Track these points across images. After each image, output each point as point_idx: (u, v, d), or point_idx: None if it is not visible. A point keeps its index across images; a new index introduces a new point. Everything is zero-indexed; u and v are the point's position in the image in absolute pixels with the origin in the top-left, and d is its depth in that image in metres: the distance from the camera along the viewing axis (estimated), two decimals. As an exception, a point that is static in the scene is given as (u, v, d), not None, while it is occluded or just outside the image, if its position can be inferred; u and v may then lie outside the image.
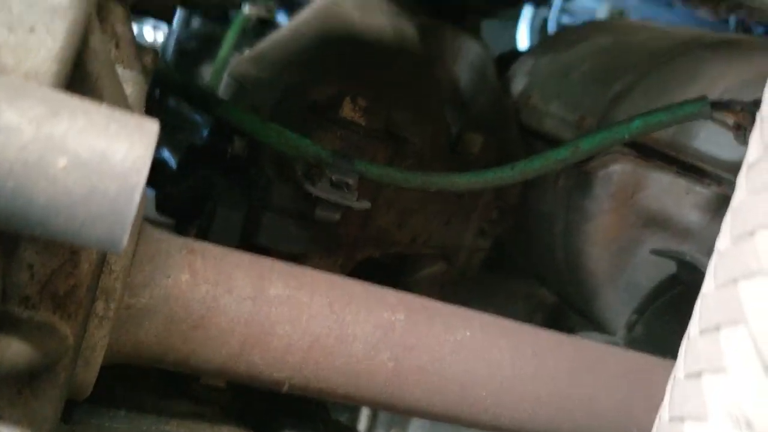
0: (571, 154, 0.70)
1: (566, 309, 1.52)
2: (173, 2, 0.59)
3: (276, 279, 0.58)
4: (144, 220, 0.54)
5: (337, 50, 0.98)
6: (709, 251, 0.94)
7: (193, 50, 1.52)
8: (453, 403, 0.60)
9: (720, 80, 0.89)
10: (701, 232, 0.93)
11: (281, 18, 1.88)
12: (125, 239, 0.31)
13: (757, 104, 0.70)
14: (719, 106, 0.70)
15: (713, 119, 0.71)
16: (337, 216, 0.70)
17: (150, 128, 0.33)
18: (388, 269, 1.02)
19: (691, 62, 0.92)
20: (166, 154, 1.47)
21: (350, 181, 0.65)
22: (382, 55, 0.99)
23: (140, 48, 0.57)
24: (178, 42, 1.54)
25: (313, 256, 0.78)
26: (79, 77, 0.42)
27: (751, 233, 0.33)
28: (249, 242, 0.76)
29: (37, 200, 0.30)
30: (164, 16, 0.61)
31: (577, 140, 0.71)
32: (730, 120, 0.71)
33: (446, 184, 0.69)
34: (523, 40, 2.28)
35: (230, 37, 1.35)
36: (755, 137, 0.35)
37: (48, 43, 0.38)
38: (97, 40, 0.43)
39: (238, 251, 0.58)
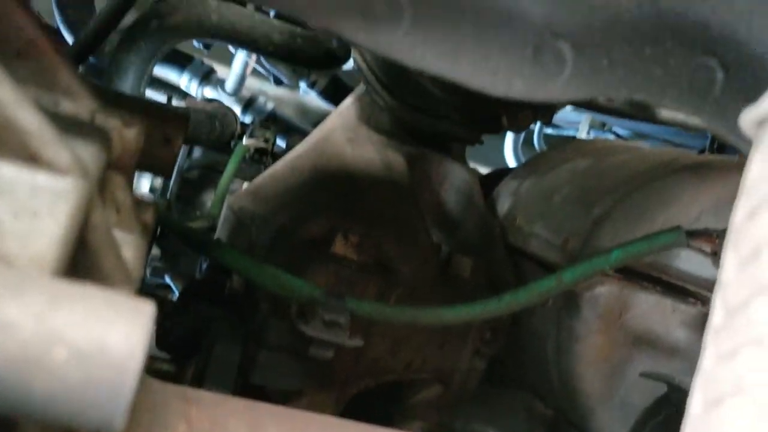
0: (555, 285, 0.73)
1: (564, 423, 1.51)
2: (173, 159, 0.63)
3: (270, 424, 0.60)
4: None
5: (329, 185, 1.03)
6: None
7: (194, 179, 1.58)
8: None
9: (695, 203, 0.93)
10: (689, 349, 0.94)
11: (280, 142, 1.96)
12: (121, 422, 0.33)
13: (727, 232, 0.74)
14: (695, 234, 0.73)
15: (690, 247, 0.74)
16: (330, 354, 0.72)
17: (145, 311, 0.36)
18: (383, 395, 1.03)
19: (667, 185, 0.97)
20: (168, 280, 1.50)
21: (342, 320, 0.67)
22: (371, 187, 1.04)
23: (140, 204, 0.61)
24: (180, 171, 1.60)
25: (308, 393, 0.80)
26: (80, 251, 0.46)
27: (733, 353, 0.34)
28: (245, 379, 0.78)
29: (36, 391, 0.32)
30: (165, 172, 0.65)
31: (560, 272, 0.74)
32: (707, 248, 0.74)
33: (434, 319, 0.71)
34: (509, 152, 2.37)
35: (230, 167, 1.41)
36: (728, 258, 0.37)
37: (51, 227, 0.41)
38: (98, 216, 0.47)
39: (232, 398, 0.60)
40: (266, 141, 1.52)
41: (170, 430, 0.58)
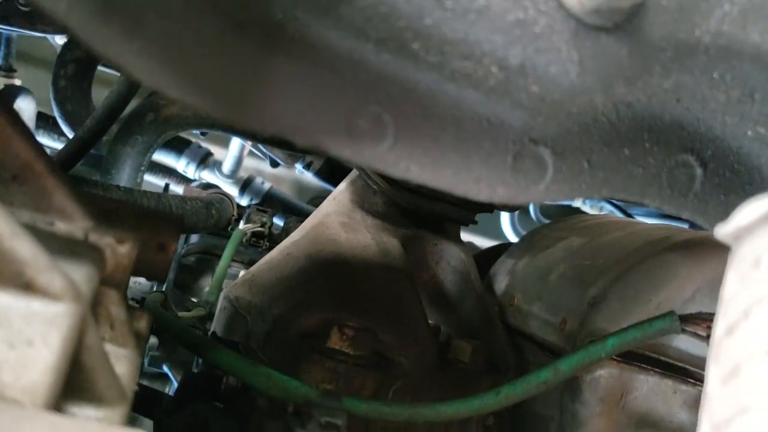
0: (552, 376, 0.73)
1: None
2: (167, 264, 0.64)
3: None
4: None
5: (324, 272, 1.03)
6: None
7: (192, 265, 1.59)
8: None
9: (689, 283, 0.93)
10: (692, 430, 0.93)
11: (278, 221, 1.98)
12: None
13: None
14: (688, 319, 0.74)
15: (684, 332, 0.74)
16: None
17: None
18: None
19: (660, 264, 0.97)
20: (166, 369, 1.49)
21: (339, 422, 0.67)
22: (367, 273, 1.04)
23: (134, 313, 0.61)
24: (178, 257, 1.61)
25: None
26: (73, 371, 0.46)
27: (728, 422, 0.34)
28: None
29: None
30: (159, 277, 0.66)
31: (557, 362, 0.74)
32: (702, 331, 0.74)
33: (433, 416, 0.71)
34: (506, 223, 2.38)
35: (227, 253, 1.42)
36: (711, 372, 0.37)
37: (45, 355, 0.42)
38: (91, 336, 0.47)
39: None
40: (263, 225, 1.54)
41: None
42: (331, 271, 1.02)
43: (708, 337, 0.75)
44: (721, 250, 0.98)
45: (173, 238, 0.67)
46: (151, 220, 0.67)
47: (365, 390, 0.81)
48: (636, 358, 0.93)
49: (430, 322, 1.07)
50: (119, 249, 0.54)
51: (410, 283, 1.07)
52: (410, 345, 0.92)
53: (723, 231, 0.37)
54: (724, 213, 0.58)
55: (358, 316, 0.89)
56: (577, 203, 2.32)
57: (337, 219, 1.17)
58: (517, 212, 2.40)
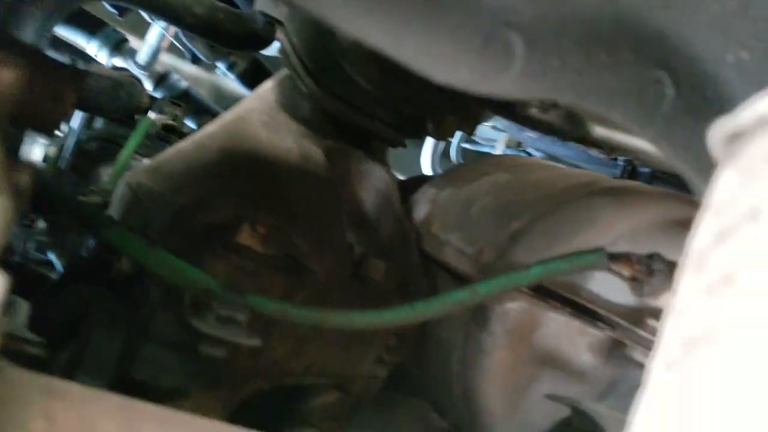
0: (470, 297, 0.70)
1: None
2: (59, 118, 0.55)
3: (145, 426, 0.53)
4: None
5: (240, 168, 0.96)
6: (600, 394, 0.95)
7: (93, 152, 1.46)
8: None
9: (613, 227, 0.92)
10: (594, 373, 0.93)
11: (190, 123, 1.86)
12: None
13: (652, 257, 0.72)
14: (616, 257, 0.71)
15: (610, 270, 0.72)
16: (223, 353, 0.65)
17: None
18: (277, 398, 0.96)
19: (586, 207, 0.95)
20: (52, 256, 1.38)
21: (240, 317, 0.61)
22: (286, 177, 0.98)
23: (17, 165, 0.53)
24: (78, 141, 1.48)
25: (194, 393, 0.72)
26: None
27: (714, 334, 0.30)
28: (124, 373, 0.70)
29: None
30: (48, 131, 0.57)
31: (476, 284, 0.70)
32: (626, 272, 0.72)
33: (344, 323, 0.66)
34: (425, 162, 2.35)
35: (132, 141, 1.31)
36: (689, 283, 0.33)
37: None
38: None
39: (105, 394, 0.52)
40: (175, 118, 1.43)
41: (26, 428, 0.51)
42: (248, 168, 0.94)
43: (631, 278, 0.73)
44: (646, 200, 0.97)
45: (71, 90, 0.58)
46: (47, 66, 0.57)
47: (272, 292, 0.75)
48: (549, 295, 0.91)
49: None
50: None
51: (332, 193, 1.01)
52: (325, 254, 0.87)
53: (719, 130, 0.33)
54: (688, 141, 0.54)
55: (273, 215, 0.82)
56: (498, 152, 2.31)
57: (259, 117, 1.08)
58: (438, 151, 2.37)
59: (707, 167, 0.58)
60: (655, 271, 0.72)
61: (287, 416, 0.94)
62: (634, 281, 0.73)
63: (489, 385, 0.94)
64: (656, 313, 0.88)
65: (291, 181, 0.95)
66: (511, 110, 0.93)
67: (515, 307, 0.92)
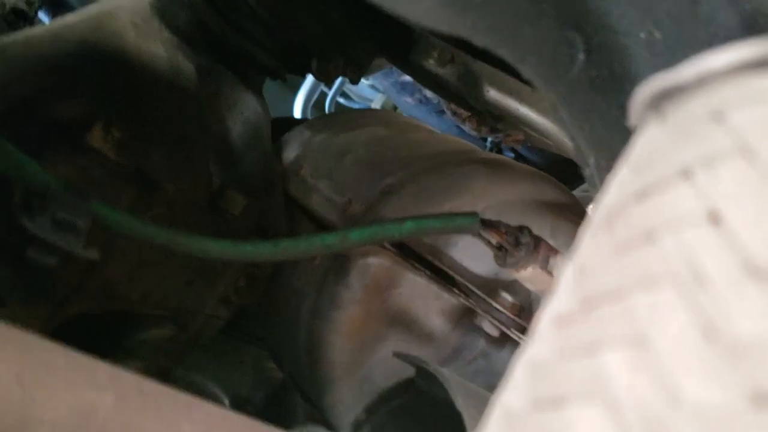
0: (339, 242, 0.66)
1: (292, 389, 1.46)
2: None
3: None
4: None
5: (100, 66, 0.85)
6: (444, 359, 0.94)
7: None
8: None
9: (484, 197, 0.91)
10: (441, 338, 0.93)
11: (43, 17, 1.66)
12: None
13: (521, 230, 0.72)
14: (488, 224, 0.70)
15: (479, 236, 0.71)
16: (53, 260, 0.57)
17: None
18: (104, 325, 0.88)
19: (461, 173, 0.94)
20: None
21: (80, 224, 0.53)
22: (150, 86, 0.88)
23: None
24: None
25: (11, 304, 0.63)
26: None
27: (559, 401, 0.28)
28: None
29: None
30: None
31: (348, 230, 0.66)
32: (494, 240, 0.71)
33: (197, 248, 0.60)
34: (298, 109, 2.27)
35: (-28, 19, 1.14)
36: (567, 286, 0.31)
37: None
38: None
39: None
40: (29, 4, 1.26)
41: None
42: (110, 66, 0.84)
43: (498, 247, 0.73)
44: (517, 177, 0.97)
45: None
46: None
47: (118, 204, 0.67)
48: (412, 255, 0.90)
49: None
50: None
51: (198, 113, 0.92)
52: (181, 175, 0.79)
53: (661, 82, 0.31)
54: (588, 109, 0.53)
55: (130, 122, 0.73)
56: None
57: (129, 17, 0.97)
58: (312, 99, 2.30)
59: (600, 138, 0.57)
60: (521, 243, 0.72)
61: (115, 346, 0.86)
62: (500, 250, 0.72)
63: (337, 338, 0.91)
64: (510, 287, 0.89)
65: (155, 91, 0.86)
66: (407, 59, 0.89)
67: (376, 262, 0.89)
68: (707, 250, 0.26)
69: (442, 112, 1.95)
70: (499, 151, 1.93)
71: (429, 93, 1.93)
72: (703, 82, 0.30)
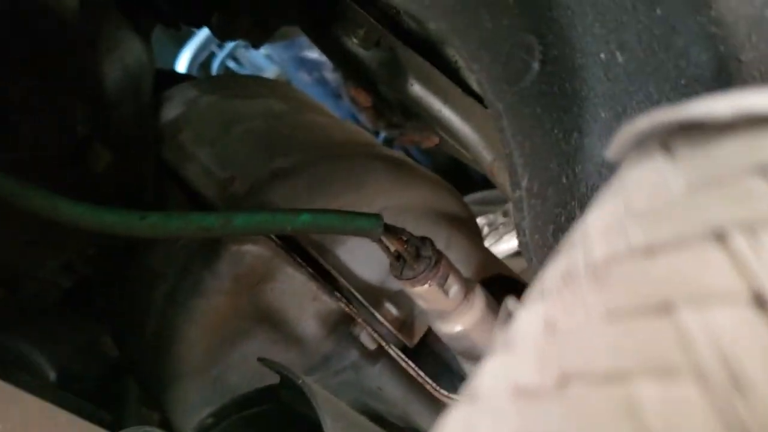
0: (221, 226, 0.56)
1: (125, 371, 1.33)
2: None
3: None
4: None
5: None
6: (312, 366, 0.86)
7: None
8: None
9: (383, 196, 0.84)
10: (312, 344, 0.85)
11: None
12: None
13: (424, 241, 0.65)
14: (391, 230, 0.63)
15: (379, 241, 0.64)
16: None
17: None
18: None
19: (361, 167, 0.86)
20: None
21: None
22: (29, 6, 0.74)
23: None
24: None
25: None
26: None
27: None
28: None
29: None
30: None
31: (232, 213, 0.57)
32: (393, 247, 0.64)
33: (45, 207, 0.48)
34: (182, 66, 2.10)
35: None
36: (532, 345, 0.24)
37: None
38: None
39: None
40: None
41: None
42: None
43: (397, 256, 0.66)
44: (420, 180, 0.91)
45: None
46: None
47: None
48: (296, 249, 0.81)
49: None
50: None
51: (72, 47, 0.79)
52: (43, 115, 0.66)
53: (680, 113, 0.25)
54: (530, 127, 0.47)
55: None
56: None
57: None
58: (199, 59, 2.13)
59: (538, 160, 0.51)
60: (422, 256, 0.65)
61: None
62: (398, 260, 0.65)
63: (193, 330, 0.81)
64: (394, 298, 0.83)
65: (26, 12, 0.72)
66: (325, 32, 0.80)
67: (254, 251, 0.79)
68: (750, 342, 0.20)
69: (339, 96, 1.87)
70: (391, 148, 1.88)
71: (329, 74, 1.84)
72: (743, 124, 0.24)
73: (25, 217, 0.72)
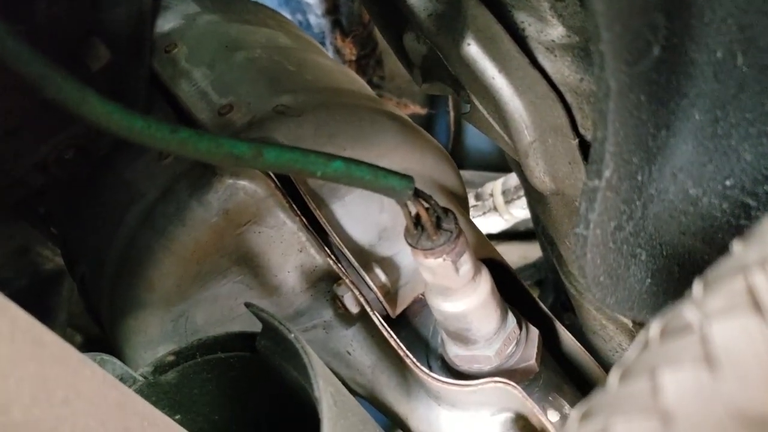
0: (252, 157, 0.51)
1: (60, 290, 1.25)
2: None
3: None
4: None
5: None
6: (291, 316, 0.81)
7: None
8: None
9: (388, 156, 0.80)
10: (287, 295, 0.80)
11: None
12: None
13: (447, 213, 0.62)
14: (420, 195, 0.59)
15: (405, 206, 0.60)
16: None
17: None
18: None
19: (370, 121, 0.82)
20: None
21: None
22: None
23: None
24: None
25: None
26: None
27: None
28: None
29: None
30: None
31: (263, 145, 0.51)
32: (414, 210, 0.61)
33: (75, 98, 0.42)
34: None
35: None
36: None
37: None
38: None
39: None
40: None
41: None
42: None
43: (416, 223, 0.62)
44: (425, 148, 0.87)
45: None
46: None
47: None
48: (293, 195, 0.76)
49: None
50: None
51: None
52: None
53: None
54: (629, 116, 0.44)
55: None
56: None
57: None
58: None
59: (625, 152, 0.48)
60: (443, 228, 0.62)
61: None
62: (417, 227, 0.62)
63: (167, 258, 0.75)
64: (385, 265, 0.79)
65: None
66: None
67: (249, 188, 0.74)
68: None
69: (322, 44, 1.79)
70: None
71: (313, 19, 1.75)
72: None
73: (9, 103, 0.64)
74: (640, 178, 0.48)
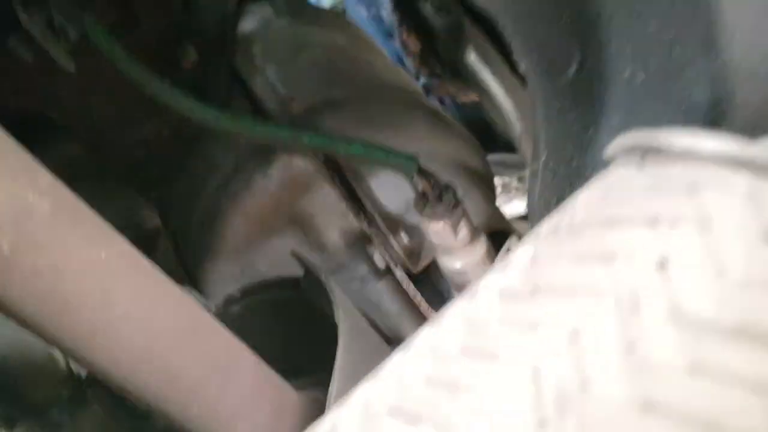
0: (292, 140, 0.69)
1: (159, 246, 1.48)
2: None
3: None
4: None
5: None
6: (328, 270, 1.00)
7: None
8: (60, 322, 0.53)
9: (416, 144, 0.97)
10: (332, 252, 0.99)
11: None
12: None
13: (447, 188, 0.78)
14: (423, 172, 0.76)
15: (411, 181, 0.77)
16: (29, 57, 0.56)
17: None
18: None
19: (403, 113, 0.99)
20: None
21: (72, 33, 0.53)
22: None
23: None
24: None
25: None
26: None
27: (489, 356, 0.35)
28: None
29: None
30: None
31: (302, 133, 0.70)
32: (421, 186, 0.77)
33: (183, 103, 0.61)
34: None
35: None
36: (519, 267, 0.38)
37: None
38: None
39: None
40: None
41: None
42: None
43: (422, 194, 0.79)
44: (451, 134, 1.03)
45: None
46: None
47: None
48: (336, 170, 0.94)
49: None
50: None
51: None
52: (158, 11, 0.78)
53: (653, 139, 0.38)
54: (556, 118, 0.60)
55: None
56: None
57: None
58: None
59: (558, 144, 0.64)
60: (444, 200, 0.78)
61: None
62: (422, 198, 0.79)
63: (238, 219, 0.95)
64: (410, 230, 0.97)
65: None
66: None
67: (302, 165, 0.93)
68: (648, 286, 0.33)
69: (391, 36, 1.96)
70: (427, 95, 1.99)
71: (385, 14, 1.93)
72: (688, 155, 0.37)
73: (121, 96, 0.85)
74: (575, 163, 0.64)
